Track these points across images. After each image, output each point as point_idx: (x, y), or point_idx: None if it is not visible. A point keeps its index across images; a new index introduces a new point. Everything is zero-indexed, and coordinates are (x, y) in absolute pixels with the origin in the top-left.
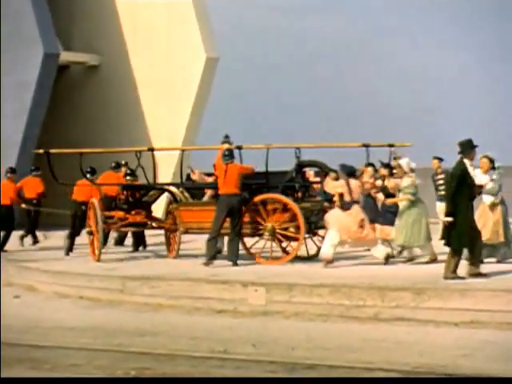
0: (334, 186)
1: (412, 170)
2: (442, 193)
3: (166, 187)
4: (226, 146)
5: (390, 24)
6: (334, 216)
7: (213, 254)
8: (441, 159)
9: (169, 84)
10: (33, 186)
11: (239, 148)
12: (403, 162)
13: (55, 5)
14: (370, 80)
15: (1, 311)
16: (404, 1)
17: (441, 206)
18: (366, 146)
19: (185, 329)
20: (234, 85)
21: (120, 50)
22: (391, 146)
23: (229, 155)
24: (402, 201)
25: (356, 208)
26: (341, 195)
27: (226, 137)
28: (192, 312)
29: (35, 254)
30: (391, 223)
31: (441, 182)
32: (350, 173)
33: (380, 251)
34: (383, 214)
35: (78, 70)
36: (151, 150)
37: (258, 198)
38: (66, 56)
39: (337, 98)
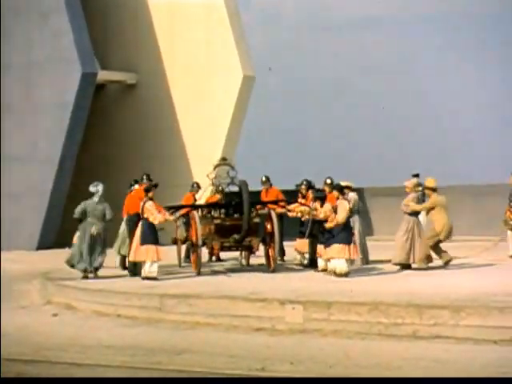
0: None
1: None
2: None
3: None
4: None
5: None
6: None
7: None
8: None
9: (206, 102)
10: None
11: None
12: None
13: (92, 24)
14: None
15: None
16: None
17: None
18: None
19: (222, 347)
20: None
21: (157, 69)
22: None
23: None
24: None
25: None
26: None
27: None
28: (230, 330)
29: (73, 272)
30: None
31: None
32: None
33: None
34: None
35: (115, 89)
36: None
37: None
38: (103, 75)
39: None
